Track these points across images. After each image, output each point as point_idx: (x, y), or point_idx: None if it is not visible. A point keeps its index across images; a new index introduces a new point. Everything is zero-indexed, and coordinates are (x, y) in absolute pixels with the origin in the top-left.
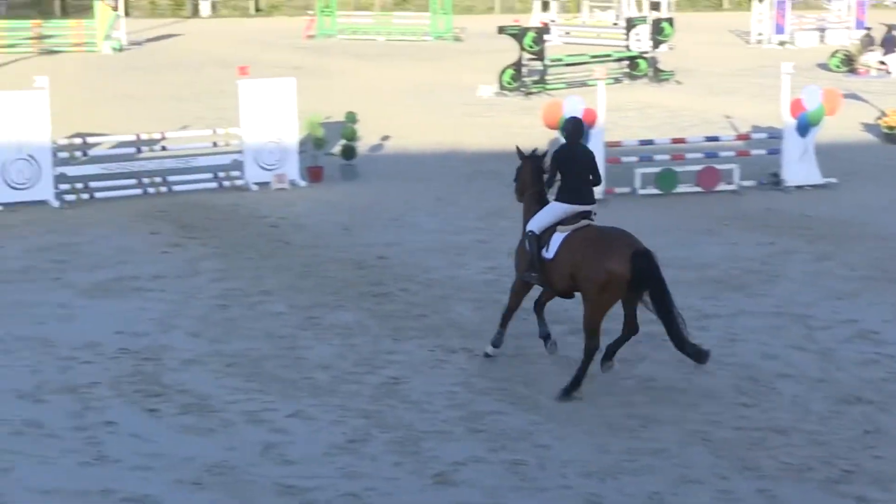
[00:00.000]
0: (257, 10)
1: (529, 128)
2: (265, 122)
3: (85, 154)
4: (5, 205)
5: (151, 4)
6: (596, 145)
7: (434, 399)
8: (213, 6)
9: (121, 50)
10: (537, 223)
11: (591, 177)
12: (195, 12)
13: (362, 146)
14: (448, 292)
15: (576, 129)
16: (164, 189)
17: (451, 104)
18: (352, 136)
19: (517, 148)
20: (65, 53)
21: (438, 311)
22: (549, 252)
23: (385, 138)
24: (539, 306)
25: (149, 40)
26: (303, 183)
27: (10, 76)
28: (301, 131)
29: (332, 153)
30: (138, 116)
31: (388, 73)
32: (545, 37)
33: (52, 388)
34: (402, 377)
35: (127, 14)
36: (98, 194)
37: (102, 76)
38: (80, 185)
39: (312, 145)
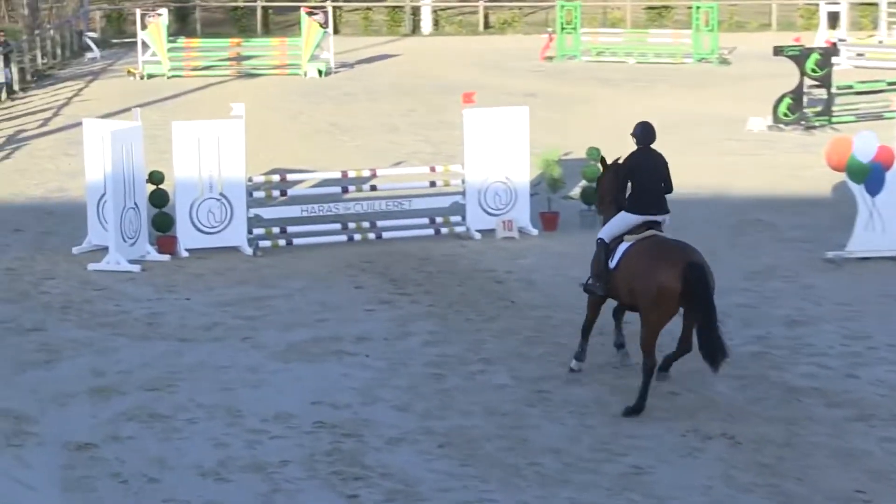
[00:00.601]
0: (486, 26)
1: (810, 168)
2: (492, 159)
3: (283, 193)
4: (192, 251)
5: (365, 21)
6: (892, 190)
7: (685, 494)
8: (436, 22)
9: (328, 73)
10: (607, 232)
11: (662, 185)
12: (415, 29)
13: None
14: (706, 366)
15: (645, 134)
16: (372, 235)
17: (715, 140)
18: (594, 177)
19: (601, 159)
20: (265, 77)
21: (693, 387)
22: (613, 261)
23: None
24: (618, 314)
25: (360, 62)
26: (534, 231)
27: (204, 103)
28: (534, 170)
29: (570, 196)
30: (345, 150)
31: (639, 102)
32: (832, 59)
33: (238, 466)
34: (646, 466)
35: (336, 32)
36: (297, 240)
37: (306, 103)
38: (276, 230)
39: (547, 187)
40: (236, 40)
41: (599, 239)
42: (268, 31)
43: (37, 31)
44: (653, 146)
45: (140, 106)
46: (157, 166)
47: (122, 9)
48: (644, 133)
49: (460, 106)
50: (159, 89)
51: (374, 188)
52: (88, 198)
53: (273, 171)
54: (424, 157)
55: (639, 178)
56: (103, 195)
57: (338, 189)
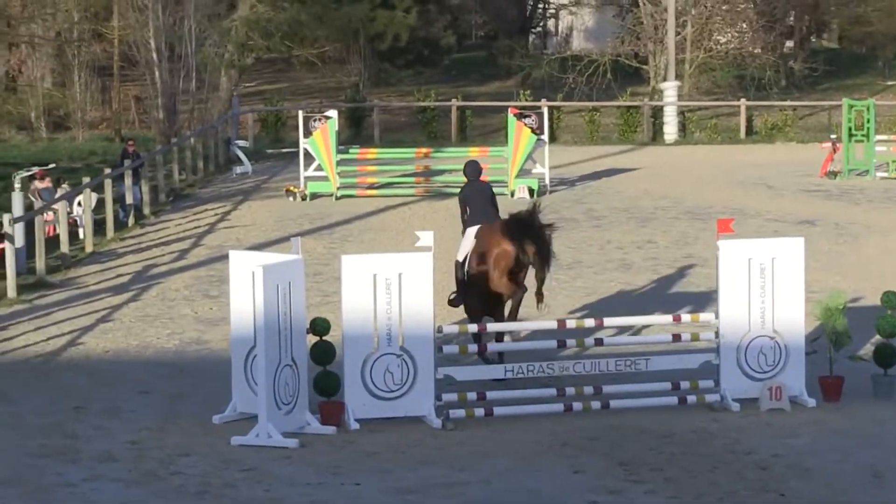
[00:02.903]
0: (749, 132)
1: None
2: (756, 306)
3: (482, 348)
4: (364, 421)
5: (590, 125)
6: None
7: None
8: (683, 127)
9: (541, 192)
10: (460, 252)
11: (492, 206)
12: (656, 136)
13: None
14: None
15: (473, 170)
16: (596, 404)
17: None
18: (893, 331)
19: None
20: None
21: None
22: (464, 271)
23: None
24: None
25: (583, 177)
26: (811, 401)
27: (383, 230)
28: (812, 321)
29: (859, 356)
30: (562, 293)
31: None
32: None
33: None
34: None
35: (553, 139)
36: (498, 409)
37: None
38: (472, 395)
39: (829, 343)
40: (424, 150)
41: (456, 260)
42: (464, 138)
43: (174, 140)
44: (481, 179)
45: (301, 234)
46: (322, 312)
47: (281, 111)
48: (472, 170)
49: (714, 236)
50: (325, 213)
51: (599, 343)
52: (233, 352)
53: (468, 320)
54: (666, 302)
55: (473, 203)
56: (252, 349)
57: (552, 343)
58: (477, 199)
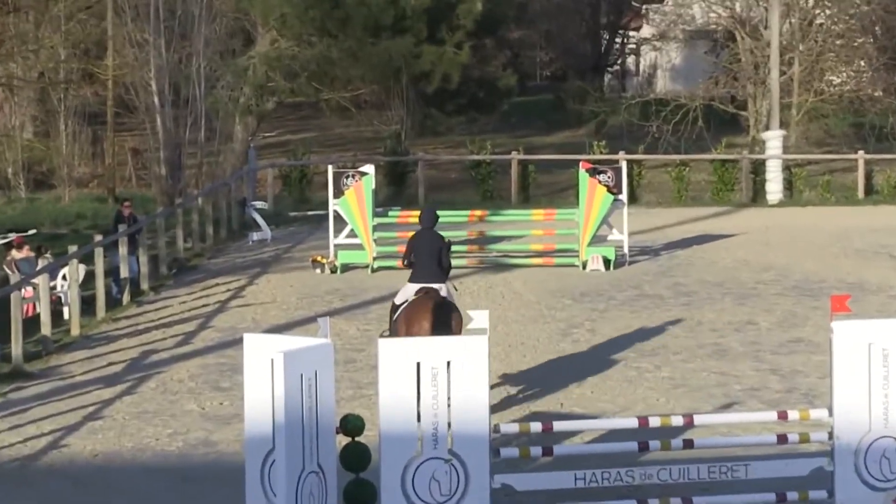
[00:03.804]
0: (869, 191)
1: None
2: (877, 401)
3: (547, 452)
4: None
5: (678, 182)
6: None
7: None
8: (789, 185)
9: (619, 263)
10: (398, 297)
11: (440, 260)
12: (756, 196)
13: None
14: None
15: (428, 217)
16: None
17: None
18: None
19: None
20: (521, 269)
21: None
22: (395, 316)
23: None
24: None
25: (669, 245)
26: None
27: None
28: None
29: None
30: (645, 385)
31: None
32: None
33: None
34: None
35: (633, 199)
36: None
37: (583, 310)
38: None
39: None
40: (478, 213)
41: (391, 302)
42: (526, 198)
43: (178, 201)
44: (434, 229)
45: (329, 314)
46: (355, 408)
47: (307, 165)
48: (427, 217)
49: (827, 316)
50: (359, 288)
51: (689, 445)
52: (248, 456)
53: (531, 417)
54: (769, 396)
55: (418, 253)
56: (271, 452)
57: (633, 445)
58: (424, 250)
